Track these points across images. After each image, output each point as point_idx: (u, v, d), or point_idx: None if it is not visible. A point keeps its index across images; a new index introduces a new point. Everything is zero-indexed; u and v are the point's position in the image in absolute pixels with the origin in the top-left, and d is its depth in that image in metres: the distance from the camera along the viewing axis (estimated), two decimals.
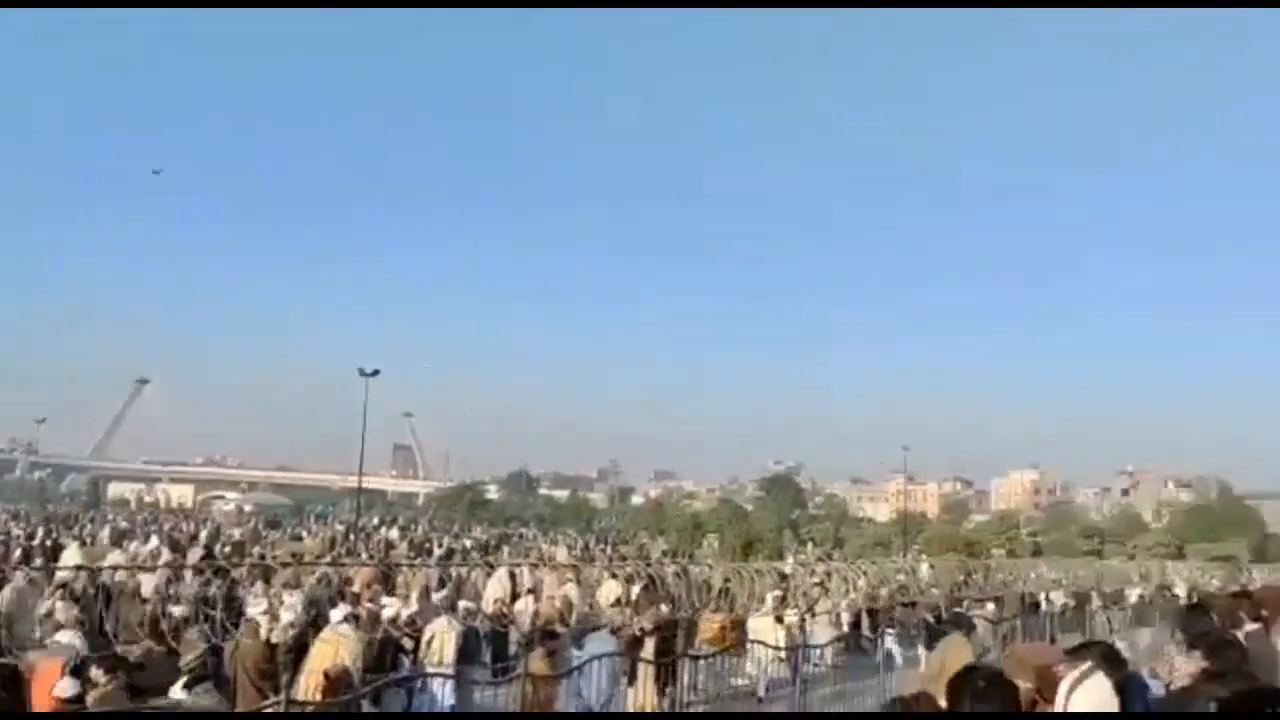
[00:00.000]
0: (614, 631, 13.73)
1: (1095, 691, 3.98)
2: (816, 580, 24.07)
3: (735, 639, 15.90)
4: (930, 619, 17.89)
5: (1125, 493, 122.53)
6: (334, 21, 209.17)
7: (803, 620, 17.78)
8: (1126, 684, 4.51)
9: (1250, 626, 8.27)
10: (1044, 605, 24.41)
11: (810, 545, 66.15)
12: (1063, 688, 3.93)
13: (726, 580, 20.12)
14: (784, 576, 23.00)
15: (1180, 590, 29.79)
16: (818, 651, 16.25)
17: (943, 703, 3.37)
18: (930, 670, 9.11)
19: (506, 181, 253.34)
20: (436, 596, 15.58)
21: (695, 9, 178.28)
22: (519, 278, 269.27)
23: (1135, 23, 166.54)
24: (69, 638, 11.07)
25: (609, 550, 52.87)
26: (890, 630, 18.07)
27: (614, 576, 20.70)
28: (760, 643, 14.66)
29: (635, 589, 19.28)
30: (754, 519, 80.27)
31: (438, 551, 38.01)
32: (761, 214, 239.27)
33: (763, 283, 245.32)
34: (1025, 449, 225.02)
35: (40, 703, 8.24)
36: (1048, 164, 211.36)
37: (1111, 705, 4.02)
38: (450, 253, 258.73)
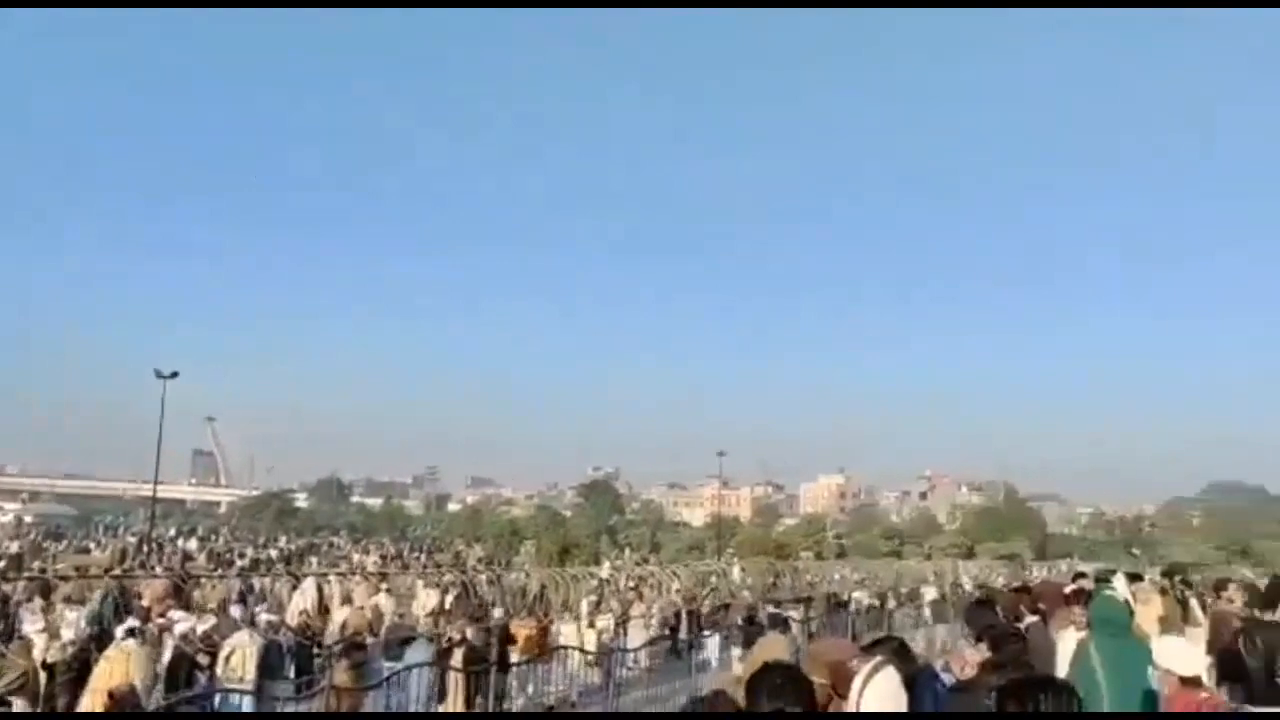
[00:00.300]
0: (430, 640, 13.46)
1: (885, 685, 4.14)
2: (632, 585, 24.31)
3: (545, 646, 15.85)
4: (740, 620, 18.35)
5: (923, 496, 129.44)
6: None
7: (618, 625, 17.90)
8: (916, 677, 4.73)
9: (1030, 619, 8.92)
10: (849, 605, 25.50)
11: (628, 550, 66.83)
12: (856, 683, 4.07)
13: (543, 586, 20.04)
14: (602, 582, 23.11)
15: (969, 587, 31.74)
16: (631, 656, 16.43)
17: (742, 701, 3.42)
18: (747, 670, 9.34)
19: (301, 173, 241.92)
20: (237, 610, 14.83)
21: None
22: (329, 276, 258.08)
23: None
24: None
25: (423, 558, 51.85)
26: (705, 632, 18.46)
27: (433, 586, 20.30)
28: (571, 648, 14.67)
29: (449, 597, 18.95)
30: (572, 525, 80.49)
31: (239, 563, 36.32)
32: (587, 216, 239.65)
33: (580, 288, 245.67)
34: (834, 454, 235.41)
35: None
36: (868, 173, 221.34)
37: (900, 698, 4.20)
38: (255, 250, 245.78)
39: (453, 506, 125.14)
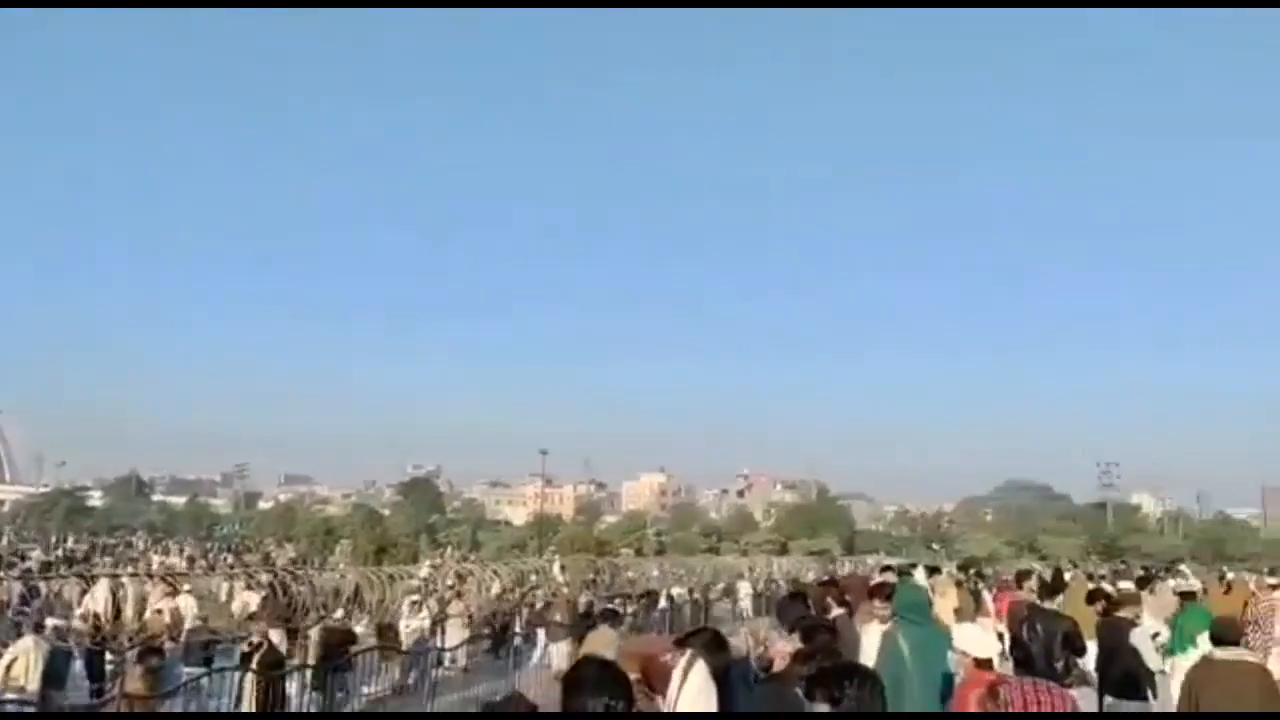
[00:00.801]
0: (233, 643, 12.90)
1: (696, 678, 4.21)
2: (450, 584, 23.96)
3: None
4: (560, 619, 18.36)
5: (740, 494, 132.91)
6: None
7: (435, 624, 17.62)
8: (730, 668, 4.83)
9: (837, 611, 9.34)
10: (666, 600, 25.94)
11: (448, 549, 65.87)
12: (675, 675, 4.13)
13: (357, 587, 19.49)
14: (423, 581, 22.68)
15: (783, 582, 32.85)
16: (449, 655, 16.19)
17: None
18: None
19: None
20: (13, 614, 13.79)
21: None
22: (125, 265, 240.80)
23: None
24: None
25: (230, 559, 49.61)
26: (521, 632, 18.37)
27: (255, 587, 19.42)
28: (387, 647, 14.35)
29: (255, 598, 18.18)
30: (390, 523, 78.76)
31: (24, 564, 33.75)
32: (403, 210, 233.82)
33: (408, 287, 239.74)
34: (656, 453, 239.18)
35: None
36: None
37: (710, 690, 4.28)
38: (35, 237, 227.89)
39: (264, 505, 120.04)
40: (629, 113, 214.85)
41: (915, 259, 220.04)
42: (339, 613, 17.59)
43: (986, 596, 17.39)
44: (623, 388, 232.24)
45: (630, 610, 20.83)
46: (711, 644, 4.91)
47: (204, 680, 11.93)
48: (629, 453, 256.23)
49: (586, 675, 3.32)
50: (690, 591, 28.46)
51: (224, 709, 11.59)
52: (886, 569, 17.45)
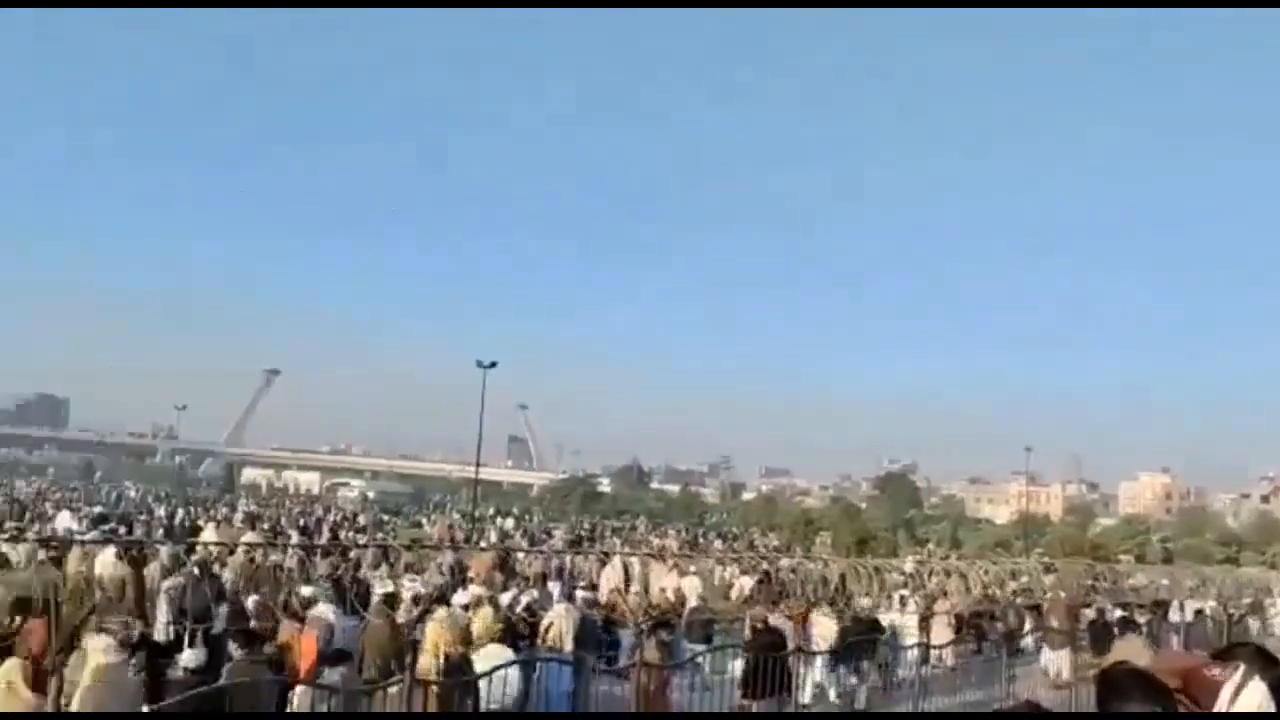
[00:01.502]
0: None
1: (1253, 694, 3.74)
2: (936, 580, 23.48)
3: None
4: (1056, 624, 17.25)
5: (1265, 499, 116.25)
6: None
7: (923, 619, 17.36)
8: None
9: None
10: (1178, 612, 23.32)
11: (930, 544, 64.65)
12: (1225, 691, 3.70)
13: (843, 576, 19.78)
14: (908, 576, 22.43)
15: None
16: (936, 653, 15.85)
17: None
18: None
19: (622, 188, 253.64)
20: (554, 585, 15.74)
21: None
22: (632, 276, 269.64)
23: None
24: (323, 610, 11.35)
25: (720, 545, 52.65)
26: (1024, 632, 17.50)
27: (745, 572, 20.54)
28: (876, 640, 14.36)
29: (749, 582, 19.11)
30: (867, 517, 78.97)
31: (551, 541, 38.52)
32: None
33: (880, 284, 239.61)
34: (1154, 454, 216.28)
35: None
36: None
37: (1270, 707, 3.78)
38: (562, 251, 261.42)
39: (746, 495, 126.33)
40: None
41: None
42: (826, 602, 17.96)
43: None
44: (1107, 384, 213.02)
45: (1143, 620, 18.98)
46: (1258, 658, 4.34)
47: (704, 657, 12.76)
48: (1123, 452, 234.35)
49: (1124, 680, 3.09)
50: (1224, 605, 25.24)
51: (725, 687, 12.22)
52: None
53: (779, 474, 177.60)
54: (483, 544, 33.50)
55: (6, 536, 19.13)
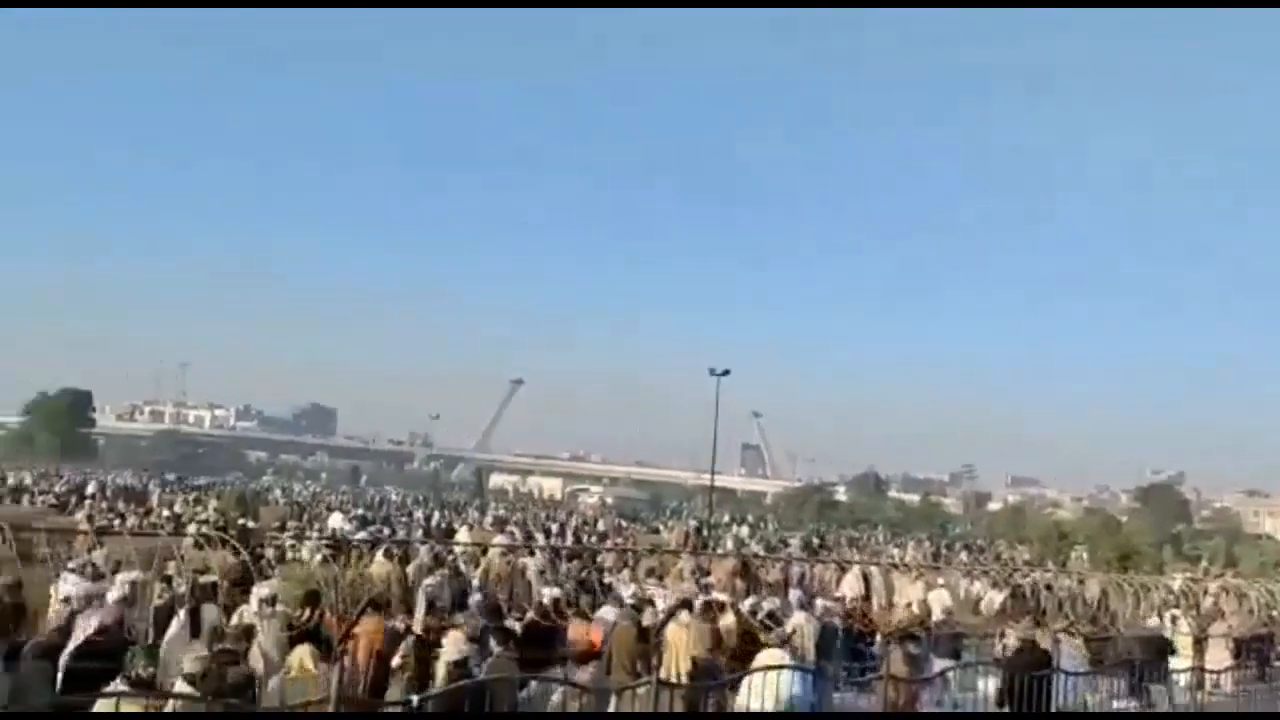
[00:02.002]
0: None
1: None
2: (1211, 599, 21.55)
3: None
4: None
5: None
6: None
7: (1197, 641, 16.00)
8: None
9: None
10: None
11: (1204, 561, 59.42)
12: None
13: (1104, 593, 18.50)
14: (1183, 594, 20.68)
15: None
16: (1213, 677, 14.56)
17: None
18: None
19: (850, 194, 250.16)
20: (795, 593, 15.64)
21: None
22: (861, 282, 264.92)
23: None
24: (606, 612, 12.13)
25: (965, 557, 50.58)
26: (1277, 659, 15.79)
27: (995, 586, 19.69)
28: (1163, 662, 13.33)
29: (999, 597, 18.25)
30: (1128, 531, 73.53)
31: (788, 549, 38.24)
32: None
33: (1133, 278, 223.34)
34: None
35: None
36: None
37: None
38: (798, 256, 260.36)
39: (992, 506, 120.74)
40: None
41: None
42: (1086, 620, 16.87)
43: None
44: None
45: None
46: None
47: (953, 673, 12.25)
48: None
49: None
50: None
51: (977, 707, 11.71)
52: None
53: (1027, 483, 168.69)
54: (719, 550, 33.69)
55: (290, 536, 21.10)
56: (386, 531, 27.06)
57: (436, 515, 42.15)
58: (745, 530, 55.52)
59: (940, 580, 19.31)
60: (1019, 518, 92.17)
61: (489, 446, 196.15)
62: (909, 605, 17.35)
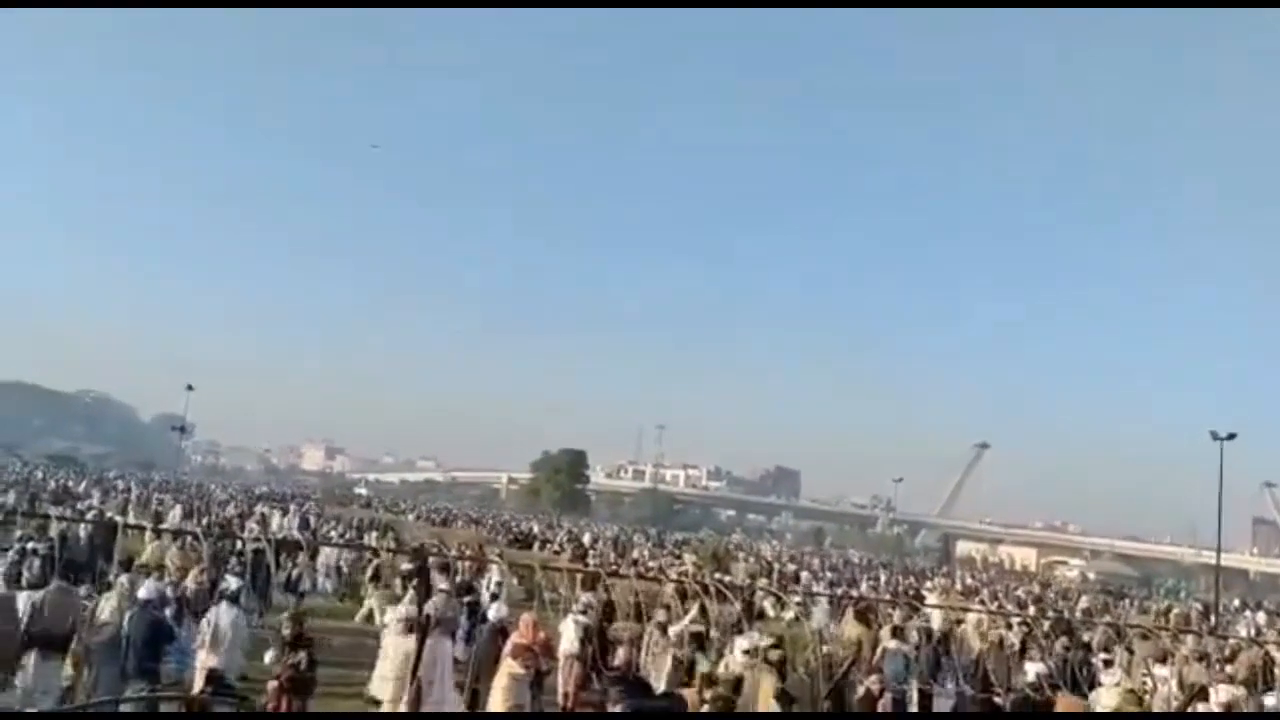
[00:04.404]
0: None
1: None
2: None
3: None
4: None
5: None
6: None
7: None
8: None
9: None
10: None
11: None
12: None
13: None
14: None
15: None
16: None
17: None
18: None
19: None
20: None
21: None
22: None
23: None
24: None
25: None
26: None
27: None
28: None
29: None
30: None
31: None
32: None
33: None
34: None
35: None
36: None
37: None
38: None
39: None
40: None
41: None
42: None
43: None
44: None
45: None
46: None
47: None
48: None
49: None
50: None
51: None
52: None
53: None
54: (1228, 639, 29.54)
55: (763, 591, 21.98)
56: (854, 592, 27.20)
57: (900, 580, 41.63)
58: (1262, 617, 48.20)
59: None
60: None
61: (954, 512, 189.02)
62: None
